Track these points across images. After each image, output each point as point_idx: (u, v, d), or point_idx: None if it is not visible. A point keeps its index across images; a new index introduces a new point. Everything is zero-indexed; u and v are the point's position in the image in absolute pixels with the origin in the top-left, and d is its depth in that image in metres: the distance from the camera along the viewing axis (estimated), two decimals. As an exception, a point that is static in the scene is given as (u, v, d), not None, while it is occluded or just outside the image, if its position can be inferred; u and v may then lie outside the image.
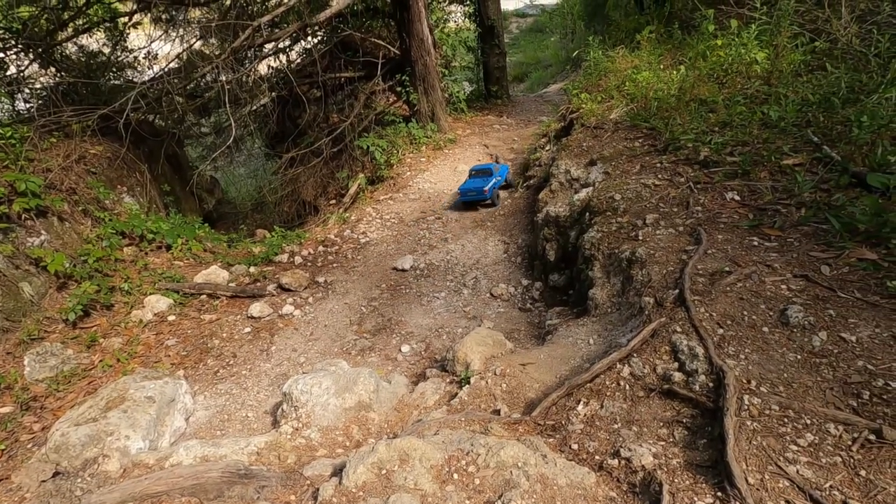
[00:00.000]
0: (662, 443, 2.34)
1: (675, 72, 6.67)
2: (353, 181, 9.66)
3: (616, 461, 2.32)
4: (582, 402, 2.81)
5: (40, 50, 8.05)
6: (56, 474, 3.11)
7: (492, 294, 5.95)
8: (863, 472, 1.91)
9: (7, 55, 7.94)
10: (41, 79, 8.60)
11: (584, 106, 7.44)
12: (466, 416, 3.01)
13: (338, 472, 2.57)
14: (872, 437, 2.01)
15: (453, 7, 13.78)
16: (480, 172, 8.01)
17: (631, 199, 4.70)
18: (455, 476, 2.36)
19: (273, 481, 2.61)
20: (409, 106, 11.01)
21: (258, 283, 6.53)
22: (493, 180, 7.72)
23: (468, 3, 13.34)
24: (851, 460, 1.96)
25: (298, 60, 11.82)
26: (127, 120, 6.97)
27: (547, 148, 8.20)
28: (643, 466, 2.23)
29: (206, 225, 8.36)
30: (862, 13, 5.86)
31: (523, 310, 5.59)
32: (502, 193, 8.16)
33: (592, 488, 2.21)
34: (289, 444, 3.16)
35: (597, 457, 2.42)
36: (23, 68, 8.13)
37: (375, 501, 2.25)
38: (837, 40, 5.66)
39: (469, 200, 7.77)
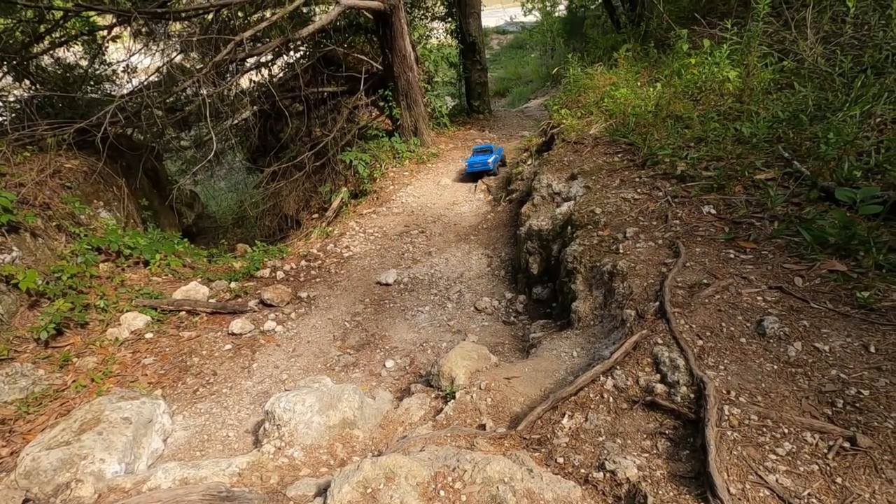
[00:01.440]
0: (646, 454, 2.37)
1: (651, 89, 6.87)
2: (336, 195, 9.63)
3: (601, 474, 2.33)
4: (567, 416, 2.83)
5: (14, 62, 7.89)
6: (26, 501, 2.98)
7: (476, 308, 5.96)
8: (839, 480, 1.96)
9: (-21, 68, 7.78)
10: (15, 91, 8.42)
11: (564, 121, 7.59)
12: (452, 432, 3.00)
13: (322, 491, 2.53)
14: (847, 444, 2.07)
15: (435, 24, 13.97)
16: (482, 150, 9.55)
17: (611, 212, 4.79)
18: (442, 493, 2.34)
19: (255, 503, 2.55)
20: (392, 120, 11.08)
21: (239, 299, 6.42)
22: (494, 156, 9.21)
23: (450, 20, 13.55)
24: (828, 468, 2.01)
25: (281, 75, 11.83)
26: (104, 134, 6.86)
27: (529, 162, 8.33)
28: (628, 479, 2.25)
29: (186, 240, 8.21)
30: (826, 34, 6.14)
31: (507, 323, 5.62)
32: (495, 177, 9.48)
33: (579, 502, 2.22)
34: (271, 463, 3.09)
35: (582, 470, 2.43)
36: (-4, 81, 7.97)
37: (361, 521, 2.21)
38: (804, 60, 5.91)
39: (476, 171, 9.22)
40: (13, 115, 7.90)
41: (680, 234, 4.07)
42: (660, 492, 2.13)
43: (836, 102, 4.97)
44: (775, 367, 2.58)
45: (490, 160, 9.03)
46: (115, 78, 9.75)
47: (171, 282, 6.74)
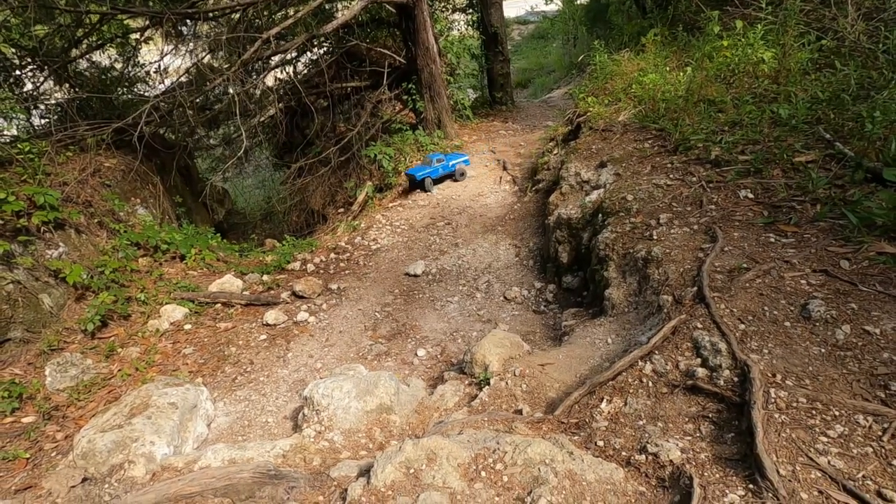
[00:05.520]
0: (689, 437, 2.35)
1: (681, 73, 6.71)
2: (361, 189, 9.73)
3: (643, 456, 2.33)
4: (605, 400, 2.82)
5: (55, 67, 8.21)
6: (84, 480, 3.14)
7: (505, 297, 5.97)
8: (895, 462, 1.91)
9: (24, 72, 8.11)
10: (56, 94, 8.76)
11: (591, 109, 7.48)
12: (489, 416, 3.02)
13: (364, 472, 2.59)
14: (903, 427, 2.01)
15: (457, 16, 13.91)
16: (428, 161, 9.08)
17: (643, 199, 4.72)
18: (483, 474, 2.37)
19: (301, 482, 2.63)
20: (416, 114, 11.10)
21: (272, 291, 6.58)
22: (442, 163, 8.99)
23: (471, 11, 13.47)
24: (883, 450, 1.97)
25: (305, 71, 11.98)
26: (140, 133, 7.09)
27: (555, 152, 8.24)
28: (671, 461, 2.24)
29: (219, 235, 8.44)
30: (868, 10, 5.88)
31: (538, 312, 5.61)
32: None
33: (621, 483, 2.22)
34: (313, 446, 3.18)
35: (623, 453, 2.43)
36: (38, 84, 8.30)
37: (405, 500, 2.26)
38: (845, 38, 5.68)
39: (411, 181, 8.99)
40: (55, 117, 8.22)
41: (716, 219, 3.98)
42: (705, 473, 2.12)
43: (880, 80, 4.76)
44: (823, 350, 2.52)
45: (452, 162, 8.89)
46: (147, 79, 10.04)
47: (206, 275, 6.95)
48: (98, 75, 9.26)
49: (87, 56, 9.06)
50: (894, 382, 2.21)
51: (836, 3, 6.06)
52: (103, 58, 9.65)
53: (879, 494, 1.82)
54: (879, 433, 2.03)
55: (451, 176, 9.20)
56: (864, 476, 1.90)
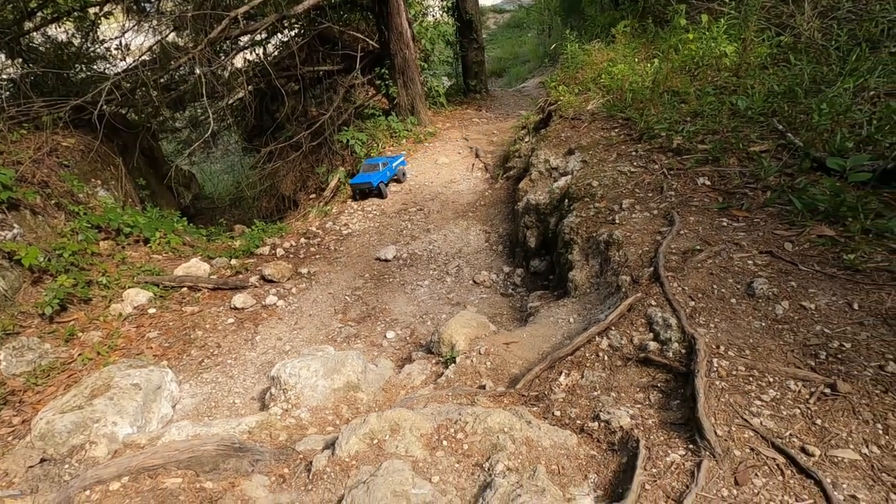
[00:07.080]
0: (639, 406, 2.49)
1: (648, 64, 6.88)
2: (333, 175, 9.64)
3: (596, 424, 2.46)
4: (563, 374, 2.95)
5: (6, 39, 7.80)
6: (43, 461, 3.09)
7: (474, 281, 6.06)
8: (819, 422, 2.09)
9: (-29, 45, 7.70)
10: (8, 69, 8.34)
11: (561, 98, 7.60)
12: (453, 391, 3.11)
13: (329, 445, 2.65)
14: (828, 390, 2.19)
15: (431, 1, 13.80)
16: (372, 167, 8.52)
17: (608, 185, 4.87)
18: (444, 443, 2.46)
19: (266, 456, 2.67)
20: (389, 99, 11.02)
21: (240, 275, 6.50)
22: (384, 171, 8.38)
23: (446, -3, 13.40)
24: (809, 411, 2.14)
25: (276, 53, 11.71)
26: (100, 112, 6.84)
27: (526, 139, 8.35)
28: (621, 427, 2.37)
29: (185, 219, 8.24)
30: (824, 9, 6.16)
31: (505, 295, 5.73)
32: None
33: (575, 448, 2.34)
34: (279, 423, 3.21)
35: (578, 421, 2.55)
36: (-12, 58, 7.89)
37: (368, 468, 2.33)
38: (801, 34, 5.94)
39: (363, 190, 8.42)
40: (7, 93, 7.83)
41: (675, 205, 4.15)
42: (651, 437, 2.26)
43: (830, 76, 5.02)
44: (763, 324, 2.69)
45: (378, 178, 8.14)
46: (108, 56, 9.64)
47: (171, 259, 6.81)
48: (54, 50, 8.84)
49: (42, 30, 8.64)
50: (823, 351, 2.40)
51: (793, 1, 6.32)
52: (59, 32, 9.21)
53: (803, 450, 1.99)
54: (807, 396, 2.20)
55: (395, 179, 8.79)
56: (791, 434, 2.06)
